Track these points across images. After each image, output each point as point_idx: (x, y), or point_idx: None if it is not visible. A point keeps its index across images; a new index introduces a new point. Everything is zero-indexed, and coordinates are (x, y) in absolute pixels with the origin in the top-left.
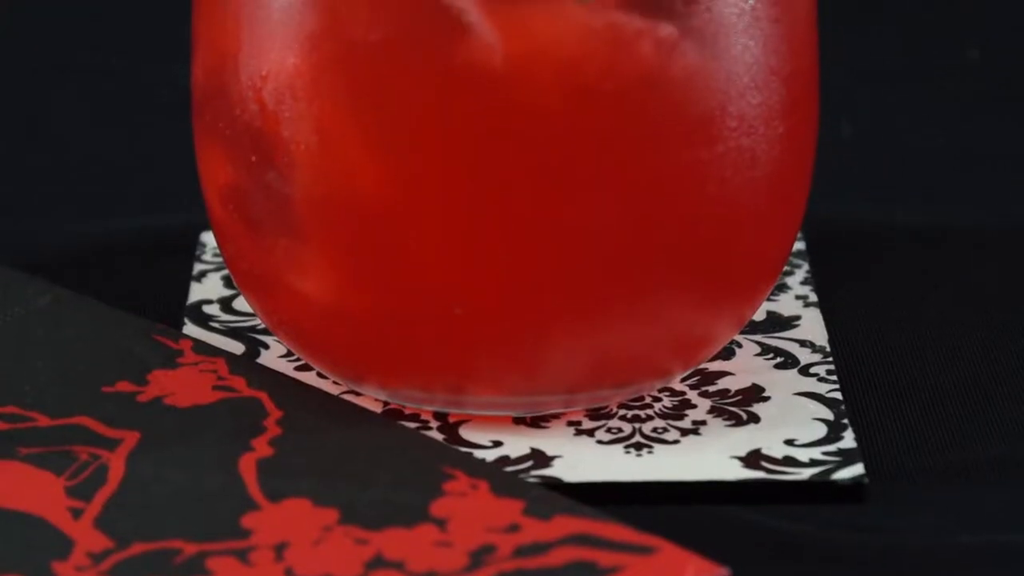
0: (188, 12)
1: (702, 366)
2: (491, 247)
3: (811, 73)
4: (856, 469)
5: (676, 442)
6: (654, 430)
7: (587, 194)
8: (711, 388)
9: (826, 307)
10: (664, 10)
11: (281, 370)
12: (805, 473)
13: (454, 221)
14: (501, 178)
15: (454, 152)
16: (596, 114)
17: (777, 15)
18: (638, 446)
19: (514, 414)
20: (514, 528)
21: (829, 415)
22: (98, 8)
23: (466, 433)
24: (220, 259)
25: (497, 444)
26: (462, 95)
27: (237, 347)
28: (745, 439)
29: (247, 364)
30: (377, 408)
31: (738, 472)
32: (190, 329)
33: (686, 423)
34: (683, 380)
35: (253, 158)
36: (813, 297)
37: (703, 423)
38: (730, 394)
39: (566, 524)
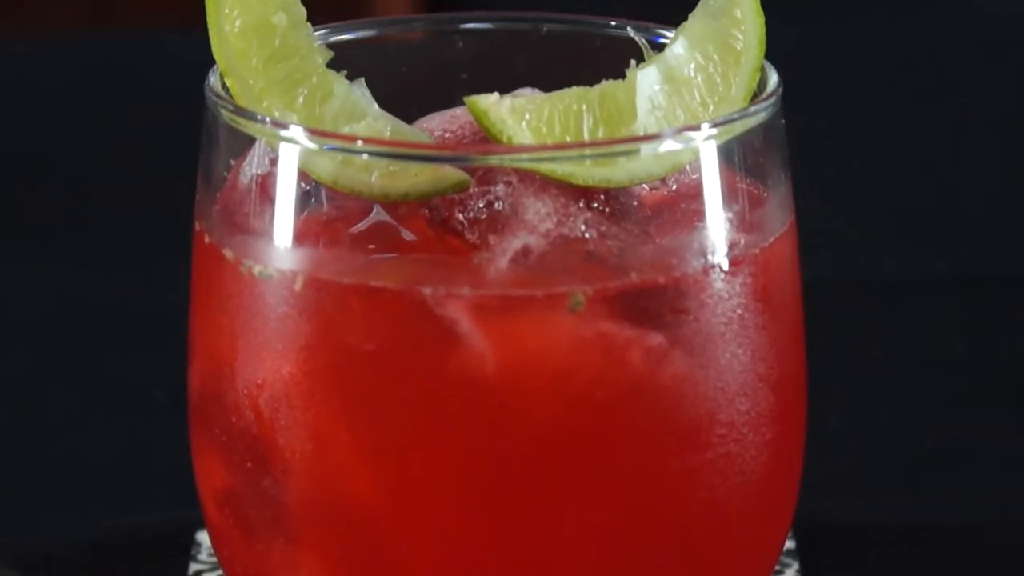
0: (185, 317)
1: None
2: (484, 551)
3: (799, 376)
4: None
5: None
6: None
7: (579, 500)
8: None
9: None
10: (653, 319)
11: None
12: None
13: (447, 526)
14: (493, 484)
15: (447, 459)
16: (587, 422)
17: (764, 323)
18: None
19: None
20: None
21: None
22: (95, 311)
23: None
24: (215, 559)
25: None
26: (454, 403)
27: None
28: None
29: None
30: None
31: None
32: None
33: None
34: None
35: (249, 464)
36: None
37: None
38: None
39: None
